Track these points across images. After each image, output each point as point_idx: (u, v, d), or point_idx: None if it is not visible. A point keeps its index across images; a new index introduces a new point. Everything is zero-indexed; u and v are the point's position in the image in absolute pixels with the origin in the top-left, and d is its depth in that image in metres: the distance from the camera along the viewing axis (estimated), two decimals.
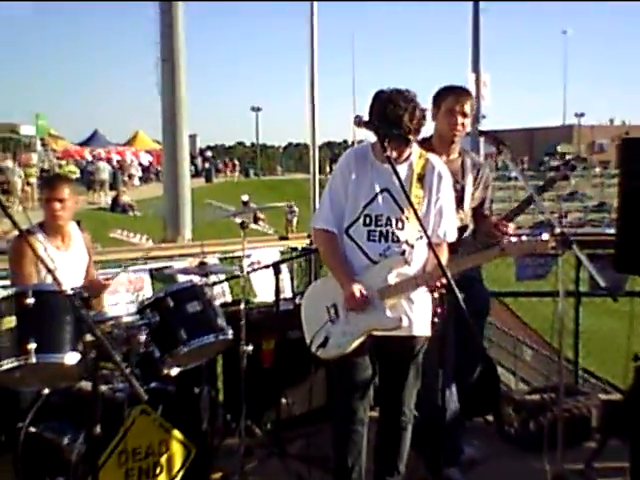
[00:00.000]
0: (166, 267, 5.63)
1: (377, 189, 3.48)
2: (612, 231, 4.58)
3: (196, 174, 36.95)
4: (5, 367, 3.05)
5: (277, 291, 4.49)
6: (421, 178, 3.51)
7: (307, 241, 6.47)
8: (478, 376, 4.39)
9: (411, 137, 3.39)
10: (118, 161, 34.92)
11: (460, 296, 2.99)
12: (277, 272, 4.49)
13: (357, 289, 3.39)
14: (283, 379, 4.55)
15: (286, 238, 7.15)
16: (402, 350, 3.55)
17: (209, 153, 50.13)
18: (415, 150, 3.54)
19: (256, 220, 23.23)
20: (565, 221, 28.46)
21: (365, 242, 3.48)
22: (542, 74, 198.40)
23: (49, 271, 2.75)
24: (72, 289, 3.09)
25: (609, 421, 4.59)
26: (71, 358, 3.09)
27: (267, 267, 5.02)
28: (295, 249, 6.31)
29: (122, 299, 5.31)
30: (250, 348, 4.18)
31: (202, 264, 4.13)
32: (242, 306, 4.18)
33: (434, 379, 3.52)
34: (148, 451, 3.46)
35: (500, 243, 3.45)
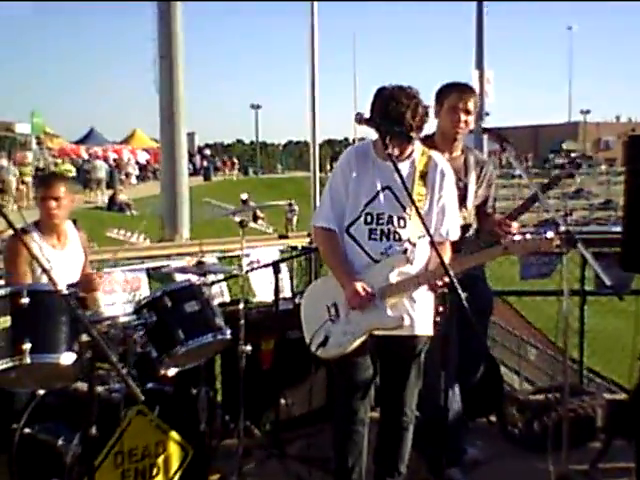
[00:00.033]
0: (163, 266, 5.63)
1: (378, 187, 3.48)
2: (618, 229, 4.59)
3: (194, 172, 36.91)
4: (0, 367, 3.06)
5: (276, 290, 4.49)
6: (423, 176, 3.51)
7: (307, 240, 6.47)
8: (481, 376, 4.39)
9: (413, 134, 3.39)
10: (115, 159, 34.89)
11: (463, 295, 2.99)
12: (277, 271, 4.49)
13: (360, 285, 3.39)
14: (282, 379, 4.55)
15: (286, 237, 7.16)
16: (404, 350, 3.55)
17: (208, 151, 50.03)
18: (417, 147, 3.54)
19: (255, 219, 23.21)
20: (570, 219, 28.42)
21: (366, 241, 3.49)
22: (547, 70, 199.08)
23: (44, 270, 2.76)
24: (67, 287, 3.09)
25: (614, 421, 4.59)
26: (67, 358, 3.09)
27: (266, 266, 5.02)
28: (295, 248, 6.30)
29: (119, 299, 5.30)
30: (249, 348, 4.18)
31: (200, 263, 4.14)
32: (241, 306, 4.19)
33: (436, 379, 3.52)
34: (145, 452, 3.46)
35: (504, 242, 3.46)
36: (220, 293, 5.59)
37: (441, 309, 3.44)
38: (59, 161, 31.79)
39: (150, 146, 39.83)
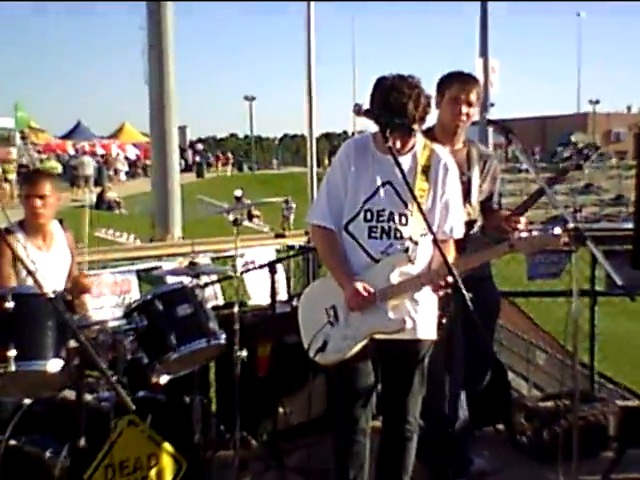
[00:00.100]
0: (154, 268, 5.62)
1: (378, 182, 3.47)
2: (630, 226, 4.59)
3: (186, 168, 36.96)
4: None
5: (273, 293, 4.49)
6: (426, 170, 3.48)
7: (305, 239, 6.46)
8: (488, 382, 4.39)
9: (415, 126, 3.36)
10: (103, 155, 34.94)
11: (468, 296, 2.98)
12: (273, 272, 4.49)
13: (360, 285, 3.38)
14: (280, 387, 4.55)
15: (283, 236, 7.16)
16: (406, 354, 3.54)
17: (200, 146, 50.13)
18: (419, 140, 3.52)
19: (250, 217, 23.22)
20: (580, 215, 28.49)
21: (366, 239, 3.47)
22: (554, 59, 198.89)
23: (29, 273, 2.75)
24: (54, 292, 3.09)
25: (627, 429, 4.59)
26: (54, 365, 3.08)
27: (262, 267, 5.01)
28: (292, 247, 6.31)
29: (107, 302, 5.30)
30: (244, 354, 4.18)
31: (193, 264, 4.13)
32: (236, 309, 4.19)
33: (441, 385, 3.52)
34: (136, 465, 3.46)
35: (509, 239, 3.44)
36: (214, 296, 5.59)
37: (446, 311, 3.44)
38: (44, 157, 31.79)
39: (140, 141, 39.83)
